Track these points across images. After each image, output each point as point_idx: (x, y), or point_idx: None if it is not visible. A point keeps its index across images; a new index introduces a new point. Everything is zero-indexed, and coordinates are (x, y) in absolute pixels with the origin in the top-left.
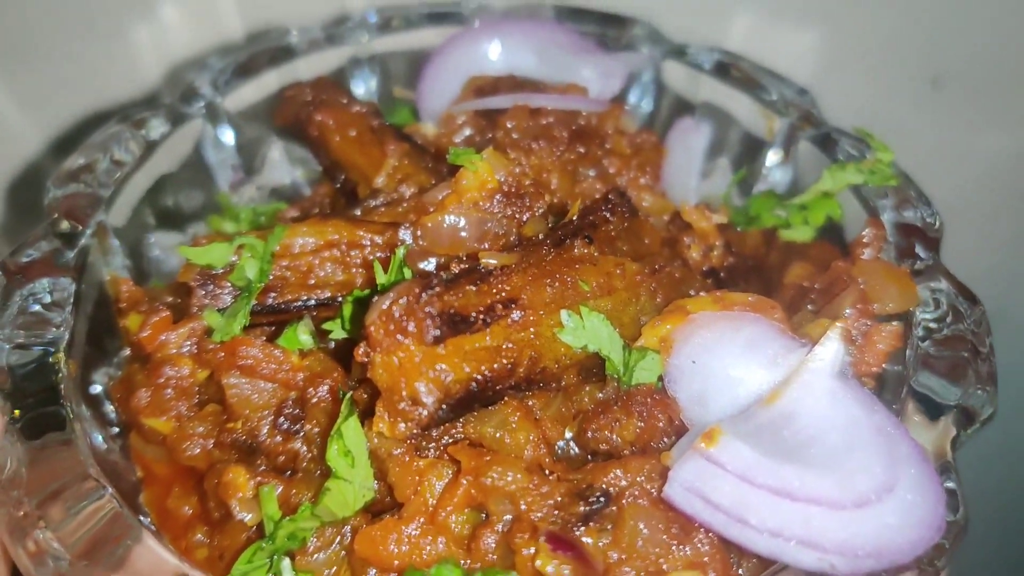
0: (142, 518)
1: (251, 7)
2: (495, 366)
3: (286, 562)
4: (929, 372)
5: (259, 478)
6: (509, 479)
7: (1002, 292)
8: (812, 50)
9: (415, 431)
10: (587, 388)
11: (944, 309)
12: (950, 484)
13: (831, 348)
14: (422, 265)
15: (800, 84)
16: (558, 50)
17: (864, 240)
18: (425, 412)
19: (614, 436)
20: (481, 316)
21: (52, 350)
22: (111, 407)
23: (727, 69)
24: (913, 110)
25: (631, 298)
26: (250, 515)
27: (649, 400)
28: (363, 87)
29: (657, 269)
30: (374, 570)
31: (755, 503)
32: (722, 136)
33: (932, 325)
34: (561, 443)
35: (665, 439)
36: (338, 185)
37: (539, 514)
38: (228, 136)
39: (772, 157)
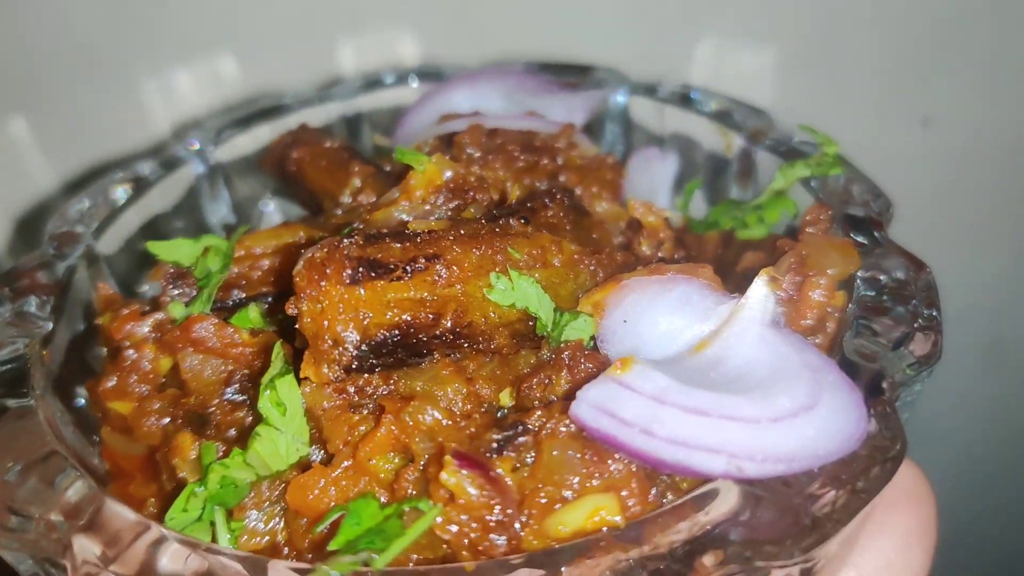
0: None
1: (252, 71)
2: (418, 315)
3: (218, 509)
4: (865, 323)
5: (202, 440)
6: (428, 415)
7: (996, 324)
8: (804, 91)
9: (339, 372)
10: (523, 353)
11: (884, 279)
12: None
13: (758, 294)
14: None
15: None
16: (524, 93)
17: (808, 219)
18: (347, 352)
19: (545, 393)
20: (402, 265)
21: (27, 342)
22: (91, 415)
23: (687, 97)
24: (904, 149)
25: (568, 274)
26: (195, 478)
27: (577, 354)
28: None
29: (598, 251)
30: (304, 523)
31: (664, 417)
32: (690, 165)
33: (872, 289)
34: (502, 411)
35: None
36: (319, 217)
37: (455, 445)
38: (223, 192)
39: (733, 171)
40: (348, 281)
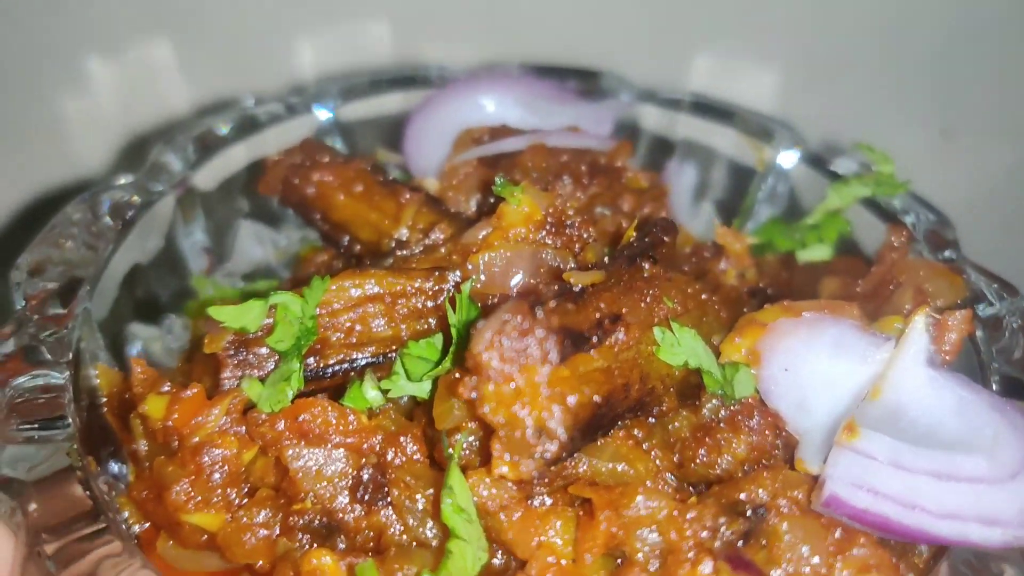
0: None
1: (196, 80)
2: (612, 387)
3: None
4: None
5: (350, 558)
6: (654, 506)
7: None
8: (821, 102)
9: (543, 466)
10: (683, 413)
11: (991, 299)
12: None
13: (918, 337)
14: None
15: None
16: (541, 101)
17: (893, 243)
18: (555, 444)
19: (725, 457)
20: (594, 331)
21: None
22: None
23: (711, 108)
24: (923, 161)
25: (702, 317)
26: None
27: (756, 412)
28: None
29: (716, 287)
30: None
31: (923, 488)
32: (707, 175)
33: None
34: (669, 476)
35: (775, 453)
36: (341, 249)
37: (692, 542)
38: (198, 218)
39: (767, 185)
40: (555, 359)
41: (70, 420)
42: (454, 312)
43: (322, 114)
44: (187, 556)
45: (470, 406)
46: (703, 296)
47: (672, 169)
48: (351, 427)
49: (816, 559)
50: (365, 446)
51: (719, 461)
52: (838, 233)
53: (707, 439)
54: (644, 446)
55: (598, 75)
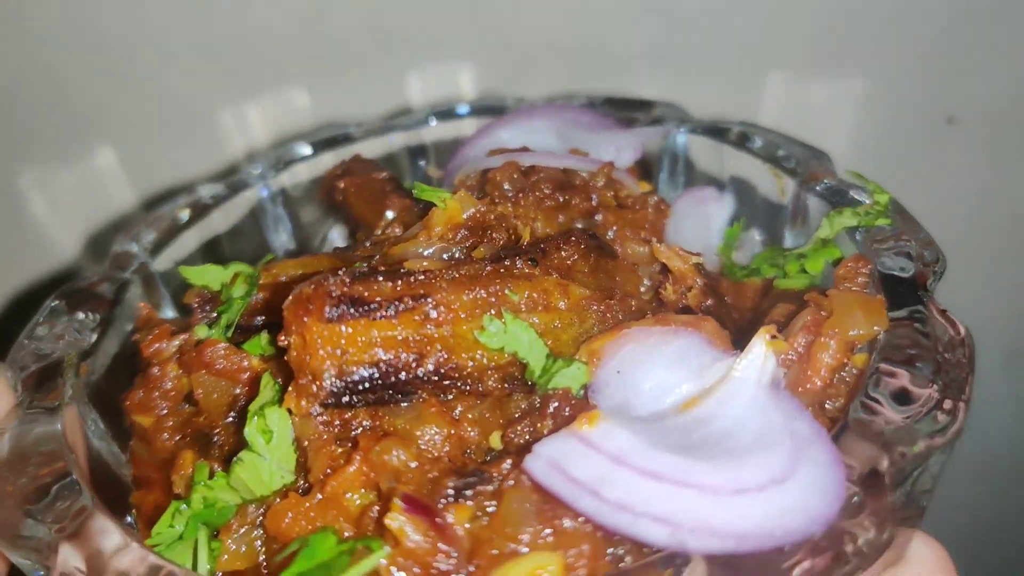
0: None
1: (323, 103)
2: (399, 355)
3: (201, 528)
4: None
5: (202, 460)
6: (394, 455)
7: (1019, 333)
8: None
9: (315, 407)
10: (516, 398)
11: (919, 340)
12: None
13: (756, 353)
14: None
15: (818, 146)
16: (578, 129)
17: (842, 273)
18: (322, 389)
19: (530, 440)
20: (386, 304)
21: (68, 354)
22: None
23: (745, 136)
24: (928, 148)
25: (574, 319)
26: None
27: (562, 403)
28: (410, 172)
29: (610, 296)
30: (277, 547)
31: (616, 479)
32: (749, 209)
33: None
34: (492, 453)
35: None
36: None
37: (407, 488)
38: (283, 218)
39: (787, 215)
40: (329, 318)
41: (85, 342)
42: None
43: (407, 135)
44: (142, 450)
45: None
46: (583, 302)
47: (702, 196)
48: (239, 365)
49: (525, 529)
50: (249, 383)
51: (524, 442)
52: (825, 262)
53: (519, 422)
54: (456, 416)
55: (652, 104)
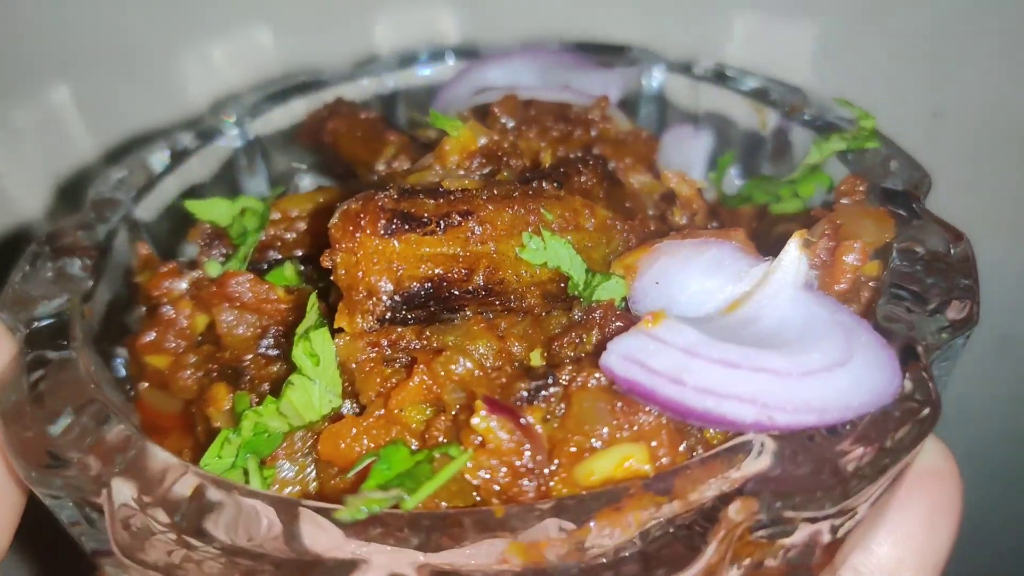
0: None
1: (289, 48)
2: (450, 269)
3: (250, 456)
4: (899, 289)
5: (238, 391)
6: (461, 365)
7: (1008, 320)
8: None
9: (372, 323)
10: (555, 314)
11: (925, 245)
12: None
13: (791, 256)
14: None
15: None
16: (560, 69)
17: (843, 190)
18: (381, 303)
19: (576, 351)
20: (435, 219)
21: (69, 298)
22: (127, 373)
23: (721, 75)
24: (914, 143)
25: (601, 238)
26: (227, 427)
27: (608, 313)
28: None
29: (631, 216)
30: (334, 472)
31: (694, 367)
32: (724, 143)
33: (908, 259)
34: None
35: None
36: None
37: (485, 393)
38: (260, 165)
39: (768, 147)
40: (383, 232)
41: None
42: None
43: (380, 80)
44: (156, 397)
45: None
46: (607, 222)
47: (684, 133)
48: (265, 297)
49: (602, 427)
50: (277, 314)
51: (571, 354)
52: (815, 188)
53: (565, 335)
54: (501, 333)
55: (625, 48)
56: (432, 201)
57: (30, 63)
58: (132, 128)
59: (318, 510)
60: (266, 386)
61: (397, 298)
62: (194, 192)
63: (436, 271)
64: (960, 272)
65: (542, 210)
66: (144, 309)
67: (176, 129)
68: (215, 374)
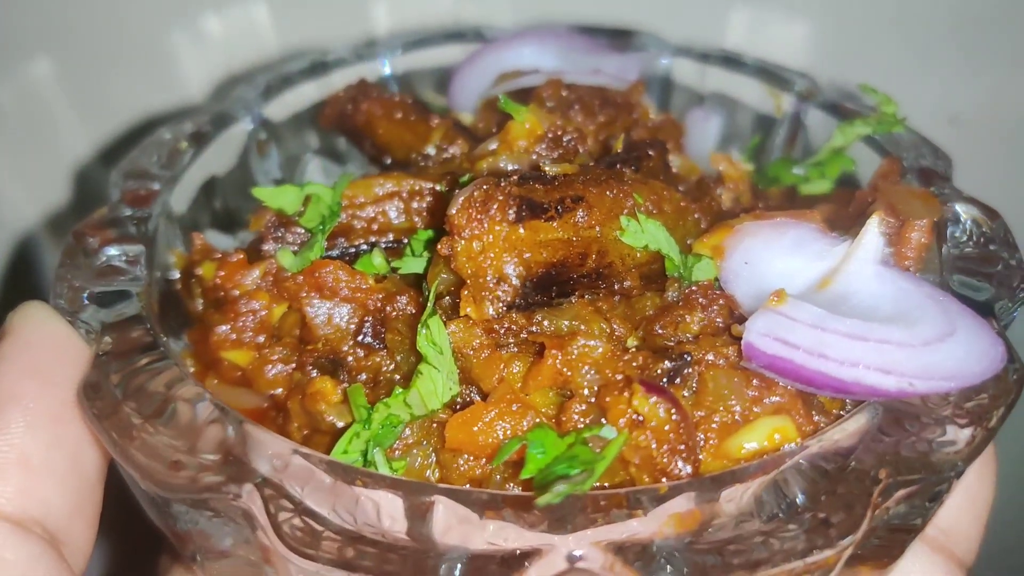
0: None
1: (287, 29)
2: (569, 254)
3: (378, 450)
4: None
5: (345, 384)
6: (593, 346)
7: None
8: None
9: (501, 309)
10: (648, 295)
11: (968, 223)
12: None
13: (871, 236)
14: None
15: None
16: (576, 52)
17: (882, 172)
18: (511, 289)
19: (678, 332)
20: (555, 205)
21: (134, 290)
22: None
23: (733, 61)
24: None
25: (679, 220)
26: (341, 420)
27: (710, 293)
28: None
29: (699, 198)
30: (463, 461)
31: (831, 342)
32: (733, 123)
33: (959, 235)
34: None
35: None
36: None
37: (622, 375)
38: (272, 153)
39: (783, 131)
40: (512, 219)
41: (144, 278)
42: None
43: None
44: (226, 391)
45: (448, 262)
46: (682, 204)
47: (698, 117)
48: (356, 286)
49: (741, 402)
50: (369, 303)
51: (674, 336)
52: (840, 170)
53: (665, 315)
54: (607, 316)
55: (632, 32)
56: (541, 187)
57: (10, 37)
58: (120, 108)
59: (515, 501)
60: (362, 376)
61: (528, 284)
62: (211, 185)
63: (557, 256)
64: (1003, 246)
65: (634, 194)
66: (200, 303)
67: (187, 113)
68: (310, 367)
